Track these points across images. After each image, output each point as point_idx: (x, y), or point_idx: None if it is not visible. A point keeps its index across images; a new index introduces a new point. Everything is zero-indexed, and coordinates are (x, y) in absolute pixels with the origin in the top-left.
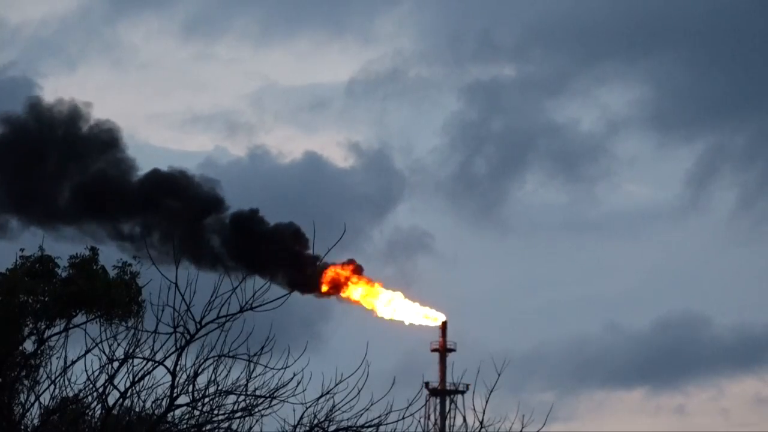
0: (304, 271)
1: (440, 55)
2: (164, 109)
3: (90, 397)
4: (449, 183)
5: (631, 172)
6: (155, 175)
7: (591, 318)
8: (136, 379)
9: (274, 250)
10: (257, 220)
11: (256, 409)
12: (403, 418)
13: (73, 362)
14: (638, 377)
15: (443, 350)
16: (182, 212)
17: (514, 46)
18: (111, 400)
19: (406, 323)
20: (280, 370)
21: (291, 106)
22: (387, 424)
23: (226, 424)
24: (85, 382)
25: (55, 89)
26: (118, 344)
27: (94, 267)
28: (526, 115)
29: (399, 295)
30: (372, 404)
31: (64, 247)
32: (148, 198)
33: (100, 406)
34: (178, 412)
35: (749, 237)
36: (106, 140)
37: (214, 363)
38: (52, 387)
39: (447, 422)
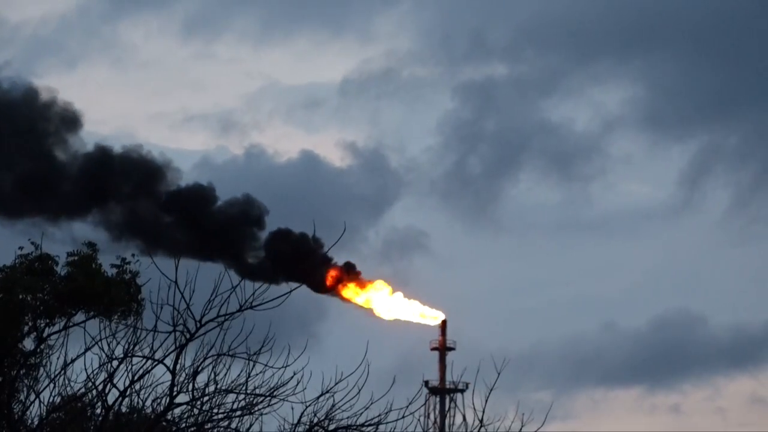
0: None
1: (434, 54)
2: (163, 108)
3: (90, 396)
4: (444, 182)
5: (625, 172)
6: (101, 154)
7: (587, 317)
8: (136, 377)
9: (214, 230)
10: (198, 197)
11: (256, 408)
12: (403, 416)
13: (73, 360)
14: (635, 376)
15: (443, 349)
16: (130, 192)
17: (507, 46)
18: (111, 399)
19: (404, 321)
20: (279, 368)
21: (288, 105)
22: (387, 423)
23: (226, 423)
24: (85, 381)
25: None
26: (118, 342)
27: (93, 265)
28: (520, 114)
29: (398, 293)
30: (372, 403)
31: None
32: (93, 180)
33: (99, 404)
34: (177, 410)
35: (744, 236)
36: (62, 124)
37: (214, 362)
38: (52, 385)
39: (447, 421)
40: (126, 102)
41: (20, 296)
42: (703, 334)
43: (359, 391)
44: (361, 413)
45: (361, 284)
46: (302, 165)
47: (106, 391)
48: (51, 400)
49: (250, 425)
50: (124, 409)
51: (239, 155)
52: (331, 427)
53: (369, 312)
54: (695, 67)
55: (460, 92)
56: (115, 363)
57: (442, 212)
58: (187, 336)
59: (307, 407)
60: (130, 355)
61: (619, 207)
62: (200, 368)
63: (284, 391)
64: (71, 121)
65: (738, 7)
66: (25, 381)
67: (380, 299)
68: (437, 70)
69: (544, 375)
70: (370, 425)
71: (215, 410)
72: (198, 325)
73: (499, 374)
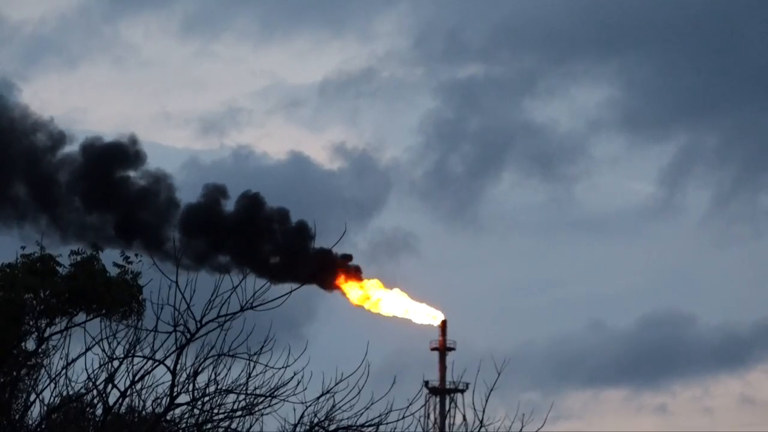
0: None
1: (417, 54)
2: (163, 107)
3: (90, 396)
4: (431, 182)
5: (606, 172)
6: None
7: (574, 317)
8: (136, 378)
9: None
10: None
11: (256, 408)
12: (404, 417)
13: (74, 360)
14: (623, 376)
15: (443, 349)
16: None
17: (484, 46)
18: (111, 399)
19: (403, 319)
20: (280, 369)
21: (283, 105)
22: (387, 423)
23: (226, 423)
24: (86, 381)
25: (35, 91)
26: (118, 343)
27: (96, 265)
28: (500, 114)
29: (396, 292)
30: (372, 403)
31: None
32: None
33: (100, 404)
34: (178, 411)
35: (728, 236)
36: None
37: (214, 362)
38: (53, 385)
39: (447, 421)
40: (124, 101)
41: (22, 296)
42: (691, 335)
43: (359, 391)
44: (362, 413)
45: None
46: (291, 166)
47: (107, 391)
48: (51, 401)
49: (251, 426)
50: (124, 410)
51: (234, 155)
52: (332, 427)
53: (368, 310)
54: (672, 67)
55: (448, 92)
56: (115, 363)
57: (427, 213)
58: (188, 336)
59: (307, 407)
60: (130, 355)
61: (602, 207)
62: (201, 368)
63: (285, 392)
64: None
65: (715, 7)
66: (26, 381)
67: (380, 297)
68: (419, 70)
69: (531, 375)
70: (370, 425)
71: (216, 411)
72: (198, 325)
73: (499, 374)
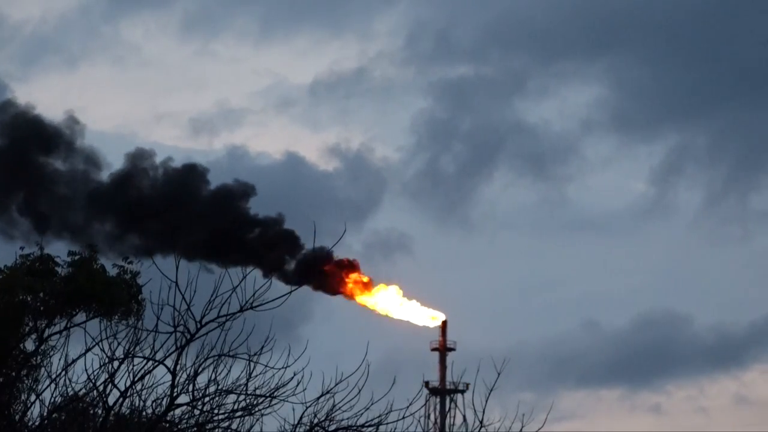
0: None
1: (410, 54)
2: (161, 107)
3: (90, 396)
4: (424, 182)
5: (599, 172)
6: None
7: (568, 317)
8: (137, 378)
9: None
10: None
11: (256, 409)
12: (404, 417)
13: (74, 361)
14: (617, 376)
15: (443, 349)
16: None
17: (477, 47)
18: (111, 400)
19: (403, 321)
20: (280, 369)
21: (278, 104)
22: (387, 423)
23: (226, 424)
24: (86, 381)
25: (29, 91)
26: (119, 343)
27: (94, 265)
28: (491, 114)
29: (394, 292)
30: (372, 403)
31: None
32: None
33: (100, 405)
34: (178, 411)
35: (721, 236)
36: None
37: (214, 362)
38: (53, 386)
39: (447, 421)
40: (124, 101)
41: (21, 297)
42: (686, 334)
43: (359, 391)
44: (362, 414)
45: (364, 283)
46: (286, 166)
47: (107, 391)
48: (52, 401)
49: (251, 426)
50: (124, 410)
51: (229, 154)
52: (332, 427)
53: (371, 311)
54: (662, 67)
55: (433, 92)
56: (116, 363)
57: (419, 214)
58: (188, 336)
59: (307, 408)
60: (130, 355)
61: (595, 207)
62: (201, 369)
63: (285, 392)
64: None
65: (704, 6)
66: (26, 382)
67: (383, 298)
68: (410, 70)
69: (526, 376)
70: (370, 426)
71: (216, 411)
72: (198, 325)
73: (498, 374)
